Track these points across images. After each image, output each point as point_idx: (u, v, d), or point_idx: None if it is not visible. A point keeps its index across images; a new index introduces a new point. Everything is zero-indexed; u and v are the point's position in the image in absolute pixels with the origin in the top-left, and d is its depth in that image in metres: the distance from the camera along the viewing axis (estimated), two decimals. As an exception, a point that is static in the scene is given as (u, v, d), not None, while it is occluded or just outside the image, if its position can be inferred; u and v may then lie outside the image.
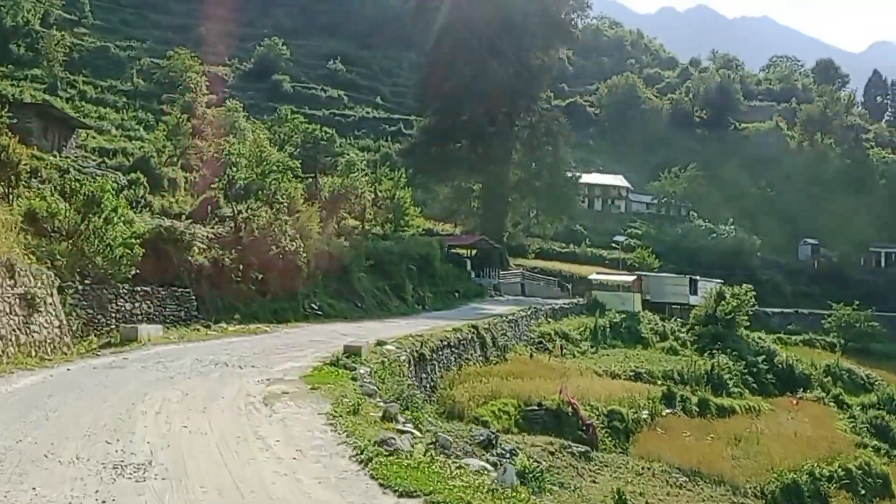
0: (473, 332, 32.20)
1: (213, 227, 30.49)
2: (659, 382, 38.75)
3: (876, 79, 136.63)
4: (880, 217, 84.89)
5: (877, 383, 55.21)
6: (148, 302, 24.35)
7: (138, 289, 24.03)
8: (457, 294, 53.58)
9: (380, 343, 22.97)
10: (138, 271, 23.82)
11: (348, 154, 65.75)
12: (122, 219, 23.86)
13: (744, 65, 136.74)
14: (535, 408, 26.01)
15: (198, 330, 24.81)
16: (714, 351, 51.00)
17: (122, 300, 23.10)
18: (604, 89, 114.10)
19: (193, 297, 26.88)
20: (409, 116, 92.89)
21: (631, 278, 61.15)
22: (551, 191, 69.29)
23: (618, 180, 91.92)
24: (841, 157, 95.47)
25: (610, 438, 27.57)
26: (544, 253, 79.71)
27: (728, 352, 50.88)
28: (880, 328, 65.75)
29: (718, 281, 65.71)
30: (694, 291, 63.39)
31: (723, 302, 55.89)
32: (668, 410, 32.94)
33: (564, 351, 41.07)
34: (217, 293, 28.77)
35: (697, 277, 64.54)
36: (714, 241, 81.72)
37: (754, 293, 58.23)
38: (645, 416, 30.07)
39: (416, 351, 24.61)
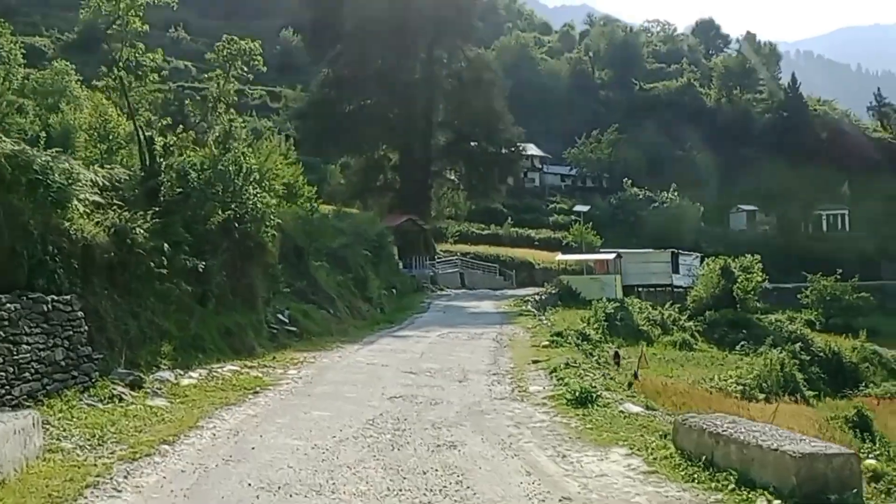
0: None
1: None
2: (761, 396, 28.66)
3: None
4: (821, 175, 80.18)
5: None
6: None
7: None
8: (394, 290, 41.26)
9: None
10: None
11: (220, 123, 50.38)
12: None
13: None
14: None
15: (105, 410, 9.89)
16: (742, 342, 42.29)
17: None
18: (490, 53, 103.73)
19: (81, 315, 11.97)
20: (275, 88, 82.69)
21: (609, 257, 50.77)
22: (488, 157, 57.30)
23: (531, 150, 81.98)
24: (772, 112, 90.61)
25: None
26: (465, 236, 69.02)
27: (754, 342, 42.13)
28: (870, 299, 59.20)
29: (697, 255, 57.53)
30: (675, 269, 54.19)
31: (734, 279, 46.85)
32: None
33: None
34: (125, 303, 13.96)
35: (679, 251, 55.35)
36: (655, 212, 73.56)
37: (761, 265, 49.69)
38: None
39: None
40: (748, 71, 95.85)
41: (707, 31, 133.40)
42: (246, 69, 18.77)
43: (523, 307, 35.20)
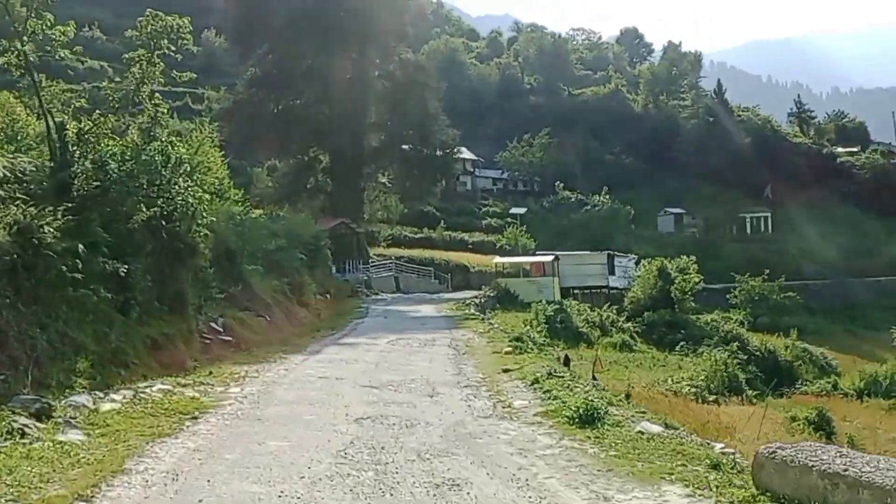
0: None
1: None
2: (711, 398, 28.16)
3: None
4: (745, 178, 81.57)
5: (835, 364, 48.83)
6: None
7: None
8: (328, 295, 39.59)
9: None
10: None
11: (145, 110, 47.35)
12: None
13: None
14: None
15: (1, 451, 7.65)
16: (681, 343, 42.38)
17: None
18: (420, 57, 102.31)
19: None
20: (198, 90, 79.74)
21: (546, 259, 49.82)
22: (422, 160, 55.74)
23: (463, 153, 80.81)
24: (698, 118, 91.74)
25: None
26: (398, 240, 67.52)
27: (693, 343, 42.30)
28: (796, 299, 60.19)
29: (633, 257, 57.41)
30: (612, 271, 53.74)
31: (671, 280, 46.71)
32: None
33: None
34: (31, 313, 11.73)
35: (615, 253, 54.95)
36: (587, 215, 73.44)
37: (696, 266, 49.76)
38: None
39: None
40: (674, 77, 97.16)
41: (631, 39, 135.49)
42: (173, 48, 16.46)
43: (467, 311, 34.00)
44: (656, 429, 8.38)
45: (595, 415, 8.80)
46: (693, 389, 27.46)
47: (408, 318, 30.28)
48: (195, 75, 22.73)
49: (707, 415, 19.33)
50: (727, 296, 62.23)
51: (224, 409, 10.43)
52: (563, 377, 12.17)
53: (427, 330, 23.72)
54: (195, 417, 9.76)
